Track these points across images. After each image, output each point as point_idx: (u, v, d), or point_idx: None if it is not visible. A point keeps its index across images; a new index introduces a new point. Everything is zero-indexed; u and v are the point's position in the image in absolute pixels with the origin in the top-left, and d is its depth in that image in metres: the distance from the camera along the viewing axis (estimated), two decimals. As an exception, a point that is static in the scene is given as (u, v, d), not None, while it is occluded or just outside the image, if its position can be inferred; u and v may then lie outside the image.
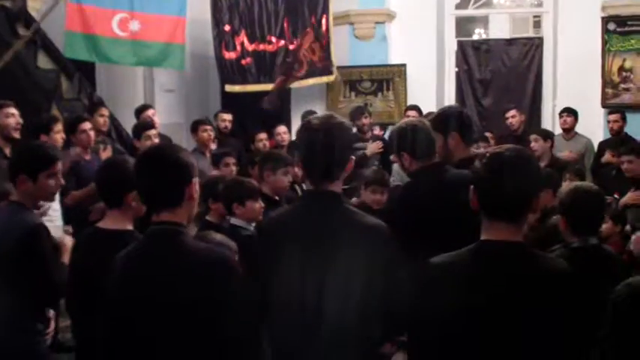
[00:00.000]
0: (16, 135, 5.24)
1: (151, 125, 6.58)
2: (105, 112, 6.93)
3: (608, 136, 7.67)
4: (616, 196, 5.44)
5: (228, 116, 7.81)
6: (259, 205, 4.22)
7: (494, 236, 2.16)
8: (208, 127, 7.01)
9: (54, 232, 3.52)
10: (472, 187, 2.23)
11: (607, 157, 7.05)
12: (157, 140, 6.40)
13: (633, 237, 4.17)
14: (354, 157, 2.57)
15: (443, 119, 3.70)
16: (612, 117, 7.54)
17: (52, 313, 3.48)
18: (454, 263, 2.19)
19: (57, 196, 5.18)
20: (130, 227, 3.03)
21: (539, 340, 2.08)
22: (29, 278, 3.12)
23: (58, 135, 5.52)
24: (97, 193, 5.37)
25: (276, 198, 4.72)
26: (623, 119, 7.48)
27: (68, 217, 5.31)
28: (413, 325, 2.26)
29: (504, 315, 2.08)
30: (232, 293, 2.23)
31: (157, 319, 2.20)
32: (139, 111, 7.23)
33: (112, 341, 2.30)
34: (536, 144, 6.68)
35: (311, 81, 9.00)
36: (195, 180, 2.36)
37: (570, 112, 7.62)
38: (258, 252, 2.65)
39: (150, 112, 7.19)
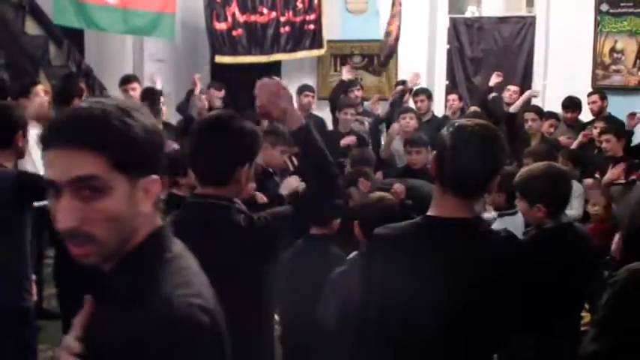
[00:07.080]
0: None
1: (134, 78, 6.70)
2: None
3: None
4: (597, 175, 5.48)
5: (220, 93, 7.58)
6: None
7: (442, 212, 2.06)
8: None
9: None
10: (434, 153, 2.14)
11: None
12: (137, 94, 6.50)
13: None
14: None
15: None
16: (591, 98, 7.39)
17: (34, 277, 3.51)
18: (399, 236, 2.08)
19: None
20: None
21: (488, 312, 2.03)
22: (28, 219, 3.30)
23: (38, 98, 5.29)
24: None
25: (270, 170, 4.81)
26: (603, 99, 7.33)
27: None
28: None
29: (452, 290, 1.99)
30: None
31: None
32: (123, 82, 6.82)
33: None
34: (533, 123, 6.74)
35: (300, 54, 8.93)
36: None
37: (576, 108, 7.34)
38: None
39: (134, 84, 6.79)
